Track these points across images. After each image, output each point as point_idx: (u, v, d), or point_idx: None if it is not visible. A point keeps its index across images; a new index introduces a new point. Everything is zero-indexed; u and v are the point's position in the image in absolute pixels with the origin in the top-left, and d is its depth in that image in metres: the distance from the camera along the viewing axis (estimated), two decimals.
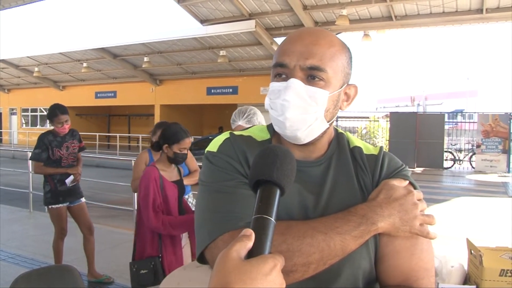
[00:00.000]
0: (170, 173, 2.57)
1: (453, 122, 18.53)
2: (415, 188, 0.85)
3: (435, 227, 0.82)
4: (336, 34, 9.03)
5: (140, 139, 19.11)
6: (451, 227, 6.06)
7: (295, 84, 0.79)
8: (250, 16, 12.36)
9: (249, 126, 1.20)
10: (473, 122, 15.32)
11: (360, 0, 10.88)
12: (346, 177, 0.86)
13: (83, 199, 3.82)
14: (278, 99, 0.80)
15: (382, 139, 17.34)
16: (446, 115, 15.52)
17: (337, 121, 13.59)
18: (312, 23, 11.97)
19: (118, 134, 20.16)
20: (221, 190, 0.81)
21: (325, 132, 0.85)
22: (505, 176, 12.85)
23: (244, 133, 0.91)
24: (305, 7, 11.47)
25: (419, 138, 14.32)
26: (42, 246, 4.50)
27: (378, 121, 18.86)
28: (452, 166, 14.99)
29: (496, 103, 29.12)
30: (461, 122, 18.33)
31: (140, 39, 15.81)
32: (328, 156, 0.88)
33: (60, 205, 3.64)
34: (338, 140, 0.92)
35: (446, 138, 15.58)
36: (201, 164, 0.93)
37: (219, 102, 18.79)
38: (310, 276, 0.74)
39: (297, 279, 0.73)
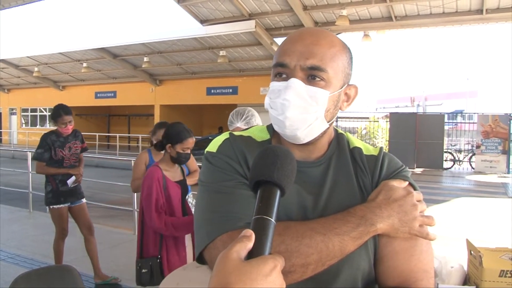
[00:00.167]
0: (173, 173, 2.55)
1: (453, 122, 18.55)
2: (414, 189, 0.84)
3: (435, 228, 0.81)
4: (336, 34, 9.01)
5: (140, 139, 19.11)
6: (451, 228, 6.06)
7: (296, 84, 0.79)
8: (250, 16, 12.35)
9: (247, 128, 1.20)
10: (473, 123, 15.29)
11: (360, 0, 10.88)
12: (346, 178, 0.86)
13: (84, 200, 3.82)
14: (278, 99, 0.80)
15: (382, 140, 17.33)
16: (446, 116, 15.49)
17: (337, 121, 13.59)
18: (312, 24, 11.97)
19: (118, 134, 20.15)
20: (220, 191, 0.81)
21: (325, 132, 0.85)
22: (504, 176, 12.85)
23: (244, 133, 0.91)
24: (305, 8, 11.46)
25: (419, 138, 14.31)
26: (41, 246, 4.50)
27: (378, 121, 18.87)
28: (452, 166, 14.97)
29: (496, 103, 29.10)
30: (461, 122, 18.32)
31: (140, 39, 15.81)
32: (328, 156, 0.88)
33: (62, 205, 3.64)
34: (338, 140, 0.92)
35: (446, 139, 15.56)
36: (200, 164, 0.93)
37: (219, 102, 18.79)
38: (309, 277, 0.74)
39: (296, 279, 0.73)
